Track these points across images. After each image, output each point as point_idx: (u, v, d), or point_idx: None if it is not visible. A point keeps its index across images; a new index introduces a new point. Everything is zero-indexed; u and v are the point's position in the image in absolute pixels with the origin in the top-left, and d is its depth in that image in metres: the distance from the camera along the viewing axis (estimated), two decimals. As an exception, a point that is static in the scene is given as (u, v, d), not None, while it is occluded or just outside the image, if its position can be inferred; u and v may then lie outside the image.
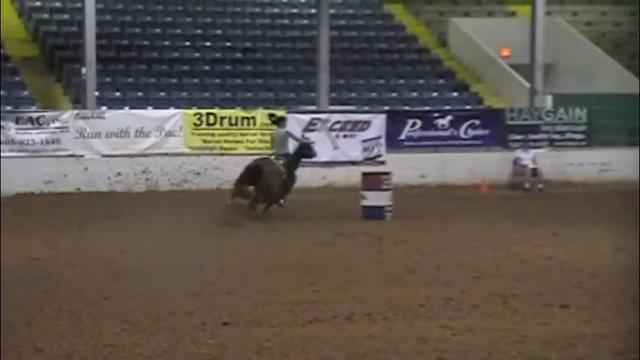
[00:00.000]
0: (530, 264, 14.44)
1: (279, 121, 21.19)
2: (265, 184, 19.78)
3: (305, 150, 21.22)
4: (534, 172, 26.53)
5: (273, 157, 20.49)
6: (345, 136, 26.60)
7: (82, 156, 25.28)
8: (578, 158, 27.54)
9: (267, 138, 26.13)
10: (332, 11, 30.82)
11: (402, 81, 32.01)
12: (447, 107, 29.31)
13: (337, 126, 26.64)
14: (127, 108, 27.29)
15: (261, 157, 21.10)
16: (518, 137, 27.47)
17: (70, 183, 24.76)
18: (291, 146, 20.92)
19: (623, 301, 11.71)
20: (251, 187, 19.89)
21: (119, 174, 25.19)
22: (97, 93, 26.74)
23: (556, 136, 27.93)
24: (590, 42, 34.10)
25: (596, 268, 13.99)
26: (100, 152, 25.41)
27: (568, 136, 28.02)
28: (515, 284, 12.79)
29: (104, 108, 26.80)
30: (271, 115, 22.08)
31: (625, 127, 28.62)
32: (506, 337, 10.00)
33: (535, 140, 27.55)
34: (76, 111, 26.02)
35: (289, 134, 21.24)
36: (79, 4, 28.60)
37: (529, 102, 28.84)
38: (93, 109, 26.04)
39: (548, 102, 29.68)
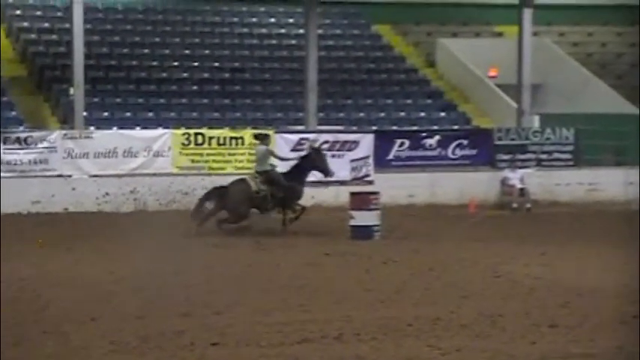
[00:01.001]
0: (519, 284, 14.46)
1: (262, 138, 21.61)
2: (230, 204, 20.74)
3: (310, 163, 21.28)
4: (522, 191, 26.58)
5: (252, 174, 21.15)
6: (333, 156, 26.56)
7: (69, 176, 25.24)
8: (565, 178, 27.61)
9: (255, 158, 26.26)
10: (320, 31, 30.90)
11: (390, 101, 32.09)
12: (435, 127, 29.37)
13: (325, 146, 26.61)
14: (115, 128, 27.26)
15: (238, 178, 21.55)
16: (505, 157, 27.53)
17: (58, 203, 24.70)
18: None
19: (611, 321, 11.73)
20: (209, 206, 20.96)
21: (107, 194, 25.15)
22: (85, 113, 26.74)
23: (543, 156, 28.00)
24: (577, 62, 34.27)
25: (584, 288, 14.02)
26: (88, 172, 25.37)
27: (555, 156, 28.10)
28: (504, 304, 12.80)
29: (92, 128, 26.78)
30: (257, 135, 22.27)
31: (612, 147, 28.72)
32: (494, 357, 10.01)
33: (523, 160, 27.61)
34: (64, 131, 25.99)
35: (270, 152, 21.54)
36: (67, 25, 28.62)
37: (516, 122, 28.93)
38: (81, 129, 26.02)
39: (536, 122, 29.79)
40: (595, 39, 36.86)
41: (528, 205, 26.29)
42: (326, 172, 21.77)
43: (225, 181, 25.43)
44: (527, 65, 28.92)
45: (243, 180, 21.24)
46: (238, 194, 20.78)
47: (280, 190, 20.90)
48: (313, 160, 21.62)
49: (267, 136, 21.99)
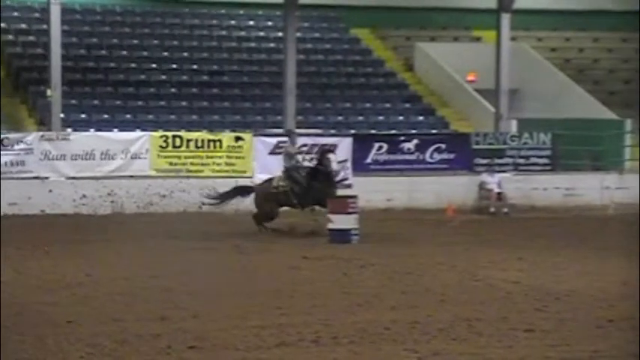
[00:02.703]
0: (496, 288, 14.49)
1: (289, 136, 22.62)
2: (255, 202, 21.61)
3: (321, 163, 21.38)
4: (499, 196, 26.67)
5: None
6: (311, 160, 26.60)
7: (46, 178, 25.15)
8: (542, 183, 27.72)
9: (234, 161, 26.28)
10: (299, 35, 30.93)
11: (368, 105, 32.15)
12: (414, 131, 29.45)
13: (304, 149, 26.64)
14: (92, 130, 27.21)
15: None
16: (483, 161, 27.61)
17: (35, 205, 24.60)
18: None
19: (587, 325, 11.78)
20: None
21: (84, 196, 25.07)
22: (62, 115, 26.66)
23: (521, 161, 28.10)
24: (555, 67, 34.43)
25: (561, 292, 14.07)
26: (65, 174, 25.29)
27: (533, 160, 28.20)
28: (481, 308, 12.83)
29: (69, 130, 26.69)
30: (285, 133, 23.04)
31: (589, 152, 28.85)
32: (471, 361, 10.04)
33: (500, 164, 27.70)
34: (41, 133, 25.91)
35: (289, 150, 21.95)
36: (44, 26, 28.52)
37: (494, 126, 29.03)
38: (58, 131, 25.94)
39: (513, 127, 29.88)
40: (573, 44, 37.04)
41: (506, 210, 26.37)
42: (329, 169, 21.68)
43: (202, 184, 25.58)
44: (506, 70, 29.02)
45: (270, 179, 21.93)
46: (260, 192, 21.43)
47: (298, 187, 20.90)
48: (320, 160, 21.59)
49: (291, 134, 22.53)
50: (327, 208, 20.15)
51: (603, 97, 33.08)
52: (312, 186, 20.97)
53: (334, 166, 21.32)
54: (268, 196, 21.38)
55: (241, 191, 22.29)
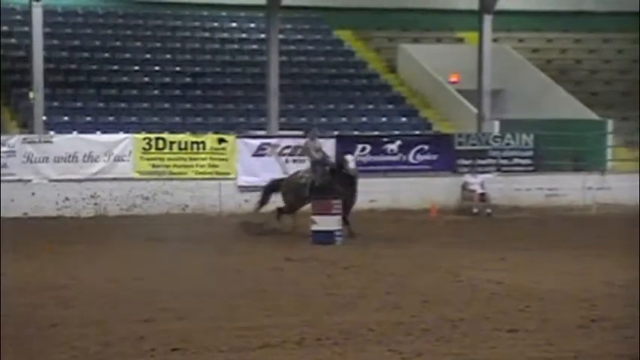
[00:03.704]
0: (479, 288, 14.54)
1: (307, 131, 22.76)
2: (282, 195, 21.45)
3: (342, 165, 21.40)
4: (482, 196, 26.73)
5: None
6: (294, 161, 26.61)
7: (29, 180, 25.09)
8: (525, 183, 27.79)
9: (217, 163, 26.28)
10: (282, 36, 30.94)
11: (351, 106, 32.18)
12: (397, 132, 29.49)
13: (287, 151, 26.68)
14: (75, 132, 27.13)
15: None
16: (466, 162, 27.67)
17: (18, 208, 24.52)
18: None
19: (570, 325, 11.83)
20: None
21: (67, 199, 25.03)
22: (44, 117, 26.60)
23: (504, 162, 28.17)
24: (537, 68, 34.53)
25: (544, 292, 14.12)
26: (47, 177, 25.23)
27: (515, 161, 28.28)
28: (465, 309, 12.87)
29: (52, 132, 26.64)
30: (303, 129, 23.27)
31: (571, 152, 28.96)
32: (455, 362, 10.07)
33: (483, 165, 27.77)
34: (23, 135, 25.86)
35: (307, 145, 22.19)
36: (26, 28, 28.44)
37: (477, 127, 29.11)
38: (41, 133, 25.89)
39: (496, 127, 29.96)
40: (554, 45, 37.16)
41: (489, 210, 26.43)
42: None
43: (185, 186, 25.61)
44: (488, 71, 29.10)
45: (298, 170, 22.23)
46: (286, 183, 21.64)
47: (319, 181, 20.95)
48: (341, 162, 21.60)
49: (309, 130, 22.77)
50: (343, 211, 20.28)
51: (585, 97, 33.18)
52: (332, 184, 20.93)
53: (351, 165, 21.19)
54: (292, 187, 21.47)
55: (272, 188, 22.10)
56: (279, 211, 21.75)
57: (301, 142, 26.99)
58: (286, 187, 21.60)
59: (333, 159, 22.23)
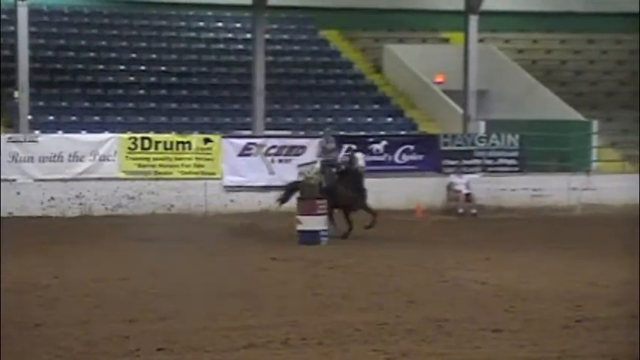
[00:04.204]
0: (464, 289, 14.57)
1: (324, 130, 22.69)
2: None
3: (351, 163, 21.49)
4: (468, 197, 26.77)
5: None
6: (280, 161, 26.65)
7: (14, 180, 25.02)
8: (510, 184, 27.83)
9: (203, 162, 26.26)
10: (267, 36, 30.93)
11: (337, 106, 32.18)
12: (382, 132, 29.51)
13: (273, 151, 26.69)
14: (60, 132, 27.08)
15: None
16: (452, 163, 27.71)
17: (3, 207, 24.42)
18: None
19: (554, 325, 11.87)
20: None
21: (52, 198, 24.97)
22: (30, 117, 26.53)
23: (489, 162, 28.22)
24: (522, 69, 34.60)
25: (529, 292, 14.16)
26: (32, 176, 25.16)
27: (501, 161, 28.34)
28: (450, 309, 12.89)
29: (37, 132, 26.57)
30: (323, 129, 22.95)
31: (556, 153, 29.04)
32: (440, 362, 10.09)
33: (468, 166, 27.81)
34: (8, 135, 25.77)
35: (322, 146, 22.05)
36: (11, 27, 28.37)
37: (463, 128, 29.15)
38: (26, 133, 25.82)
39: (482, 128, 30.02)
40: (540, 46, 37.24)
41: (474, 211, 26.47)
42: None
43: (170, 186, 25.55)
44: (473, 71, 29.15)
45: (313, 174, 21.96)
46: (302, 184, 21.32)
47: (326, 182, 20.90)
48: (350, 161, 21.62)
49: (327, 130, 22.67)
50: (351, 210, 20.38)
51: (570, 98, 33.27)
52: (337, 187, 20.88)
53: (360, 163, 21.21)
54: (306, 188, 21.14)
55: (292, 188, 21.81)
56: None
57: (287, 141, 27.10)
58: (302, 188, 21.39)
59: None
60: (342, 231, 20.81)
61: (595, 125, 30.64)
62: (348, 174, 21.23)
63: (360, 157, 21.46)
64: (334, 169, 21.44)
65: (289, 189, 21.89)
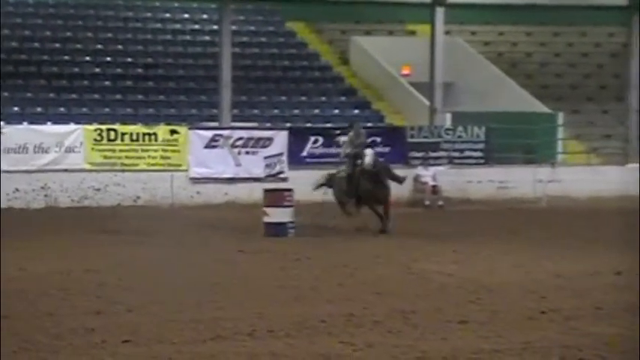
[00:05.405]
0: (431, 280, 14.63)
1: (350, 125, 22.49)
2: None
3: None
4: (434, 189, 26.85)
5: None
6: (247, 153, 26.62)
7: (-22, 172, 24.84)
8: (476, 176, 27.95)
9: (169, 154, 26.18)
10: (234, 28, 30.85)
11: (304, 98, 32.18)
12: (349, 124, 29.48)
13: (239, 142, 26.64)
14: (25, 123, 26.90)
15: None
16: (418, 155, 27.77)
17: (-35, 199, 24.27)
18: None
19: (520, 317, 11.94)
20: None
21: (17, 190, 24.81)
22: (-6, 108, 26.34)
23: (455, 154, 28.31)
24: (488, 61, 34.73)
25: (494, 284, 14.24)
26: (-3, 168, 24.99)
27: (467, 153, 28.44)
28: (416, 300, 12.95)
29: (2, 123, 26.33)
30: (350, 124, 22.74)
31: (522, 145, 29.18)
32: (406, 353, 10.12)
33: (435, 158, 27.89)
34: (-28, 126, 25.58)
35: (349, 139, 21.80)
36: (-24, 18, 28.16)
37: (429, 120, 29.22)
38: (-10, 124, 25.64)
39: (448, 120, 30.11)
40: (506, 38, 37.39)
41: (440, 203, 26.56)
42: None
43: (137, 178, 25.46)
44: (440, 64, 29.23)
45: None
46: (333, 177, 21.34)
47: (349, 172, 20.82)
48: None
49: (354, 124, 22.50)
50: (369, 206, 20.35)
51: (536, 90, 33.44)
52: (359, 180, 20.70)
53: (367, 160, 20.79)
54: (336, 181, 21.24)
55: (325, 183, 21.79)
56: (341, 205, 21.33)
57: (254, 133, 27.06)
58: (333, 182, 21.37)
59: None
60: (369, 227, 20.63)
61: (560, 117, 30.84)
62: (365, 171, 20.85)
63: (368, 153, 21.00)
64: (359, 162, 21.09)
65: (324, 181, 21.66)
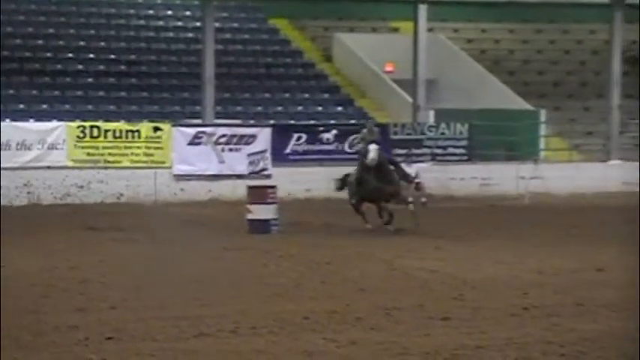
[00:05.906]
0: (413, 277, 14.66)
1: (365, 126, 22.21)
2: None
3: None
4: (417, 186, 26.82)
5: None
6: (230, 150, 26.62)
7: (-39, 169, 24.76)
8: (459, 173, 28.02)
9: (152, 151, 26.16)
10: (217, 25, 30.83)
11: (287, 95, 32.20)
12: (332, 121, 29.57)
13: (223, 139, 26.64)
14: (8, 120, 26.81)
15: None
16: (401, 152, 27.80)
17: (-52, 197, 24.19)
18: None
19: (502, 313, 11.99)
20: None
21: (-1, 187, 24.75)
22: (-24, 105, 26.26)
23: (438, 151, 28.38)
24: (471, 58, 34.81)
25: (477, 280, 14.28)
26: (-21, 165, 24.92)
27: (450, 150, 28.51)
28: (399, 297, 12.97)
29: (-16, 120, 26.30)
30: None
31: (504, 142, 29.26)
32: (389, 350, 10.15)
33: (418, 155, 27.95)
34: (-46, 123, 25.49)
35: (362, 136, 21.63)
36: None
37: (412, 117, 29.28)
38: (-27, 121, 25.56)
39: (431, 117, 30.18)
40: (488, 36, 37.48)
41: (423, 200, 26.49)
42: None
43: (120, 175, 25.42)
44: (423, 61, 29.30)
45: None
46: (348, 177, 21.04)
47: (357, 172, 20.59)
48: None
49: (369, 123, 22.41)
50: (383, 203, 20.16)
51: (518, 87, 33.55)
52: (366, 178, 20.35)
53: (372, 155, 20.18)
54: (350, 181, 20.95)
55: (342, 181, 21.47)
56: (352, 205, 21.01)
57: (237, 130, 27.07)
58: (347, 181, 21.06)
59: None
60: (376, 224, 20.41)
61: (543, 114, 30.95)
62: (379, 166, 20.37)
63: (372, 149, 20.28)
64: (362, 155, 20.76)
65: (342, 179, 21.42)
